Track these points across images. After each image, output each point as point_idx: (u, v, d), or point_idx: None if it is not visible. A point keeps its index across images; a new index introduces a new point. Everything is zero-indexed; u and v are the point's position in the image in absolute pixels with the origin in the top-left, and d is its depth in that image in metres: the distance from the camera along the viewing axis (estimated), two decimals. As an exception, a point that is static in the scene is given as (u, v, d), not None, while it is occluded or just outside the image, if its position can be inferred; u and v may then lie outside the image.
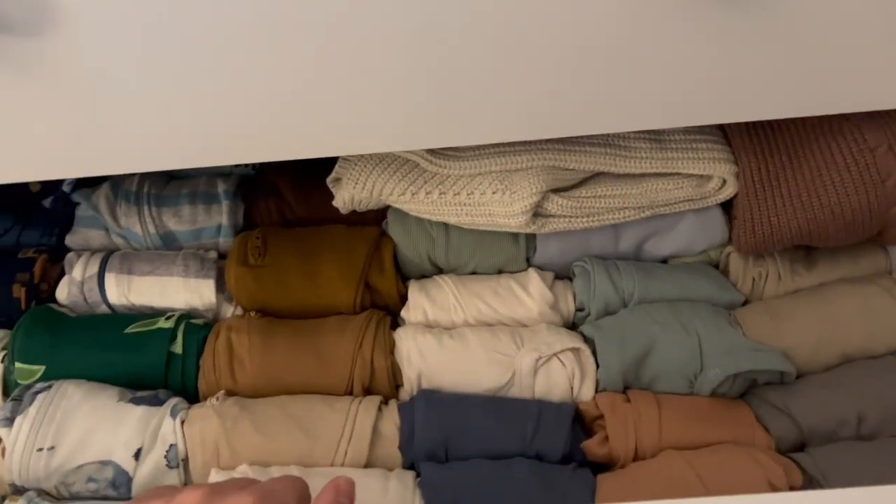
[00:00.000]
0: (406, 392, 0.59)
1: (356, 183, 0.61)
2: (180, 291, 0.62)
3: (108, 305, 0.62)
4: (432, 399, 0.56)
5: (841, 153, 0.56)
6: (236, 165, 0.71)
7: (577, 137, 0.59)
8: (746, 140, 0.59)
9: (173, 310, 0.62)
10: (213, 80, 0.48)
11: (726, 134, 0.60)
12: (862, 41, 0.48)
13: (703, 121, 0.53)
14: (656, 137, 0.59)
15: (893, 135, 0.55)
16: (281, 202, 0.67)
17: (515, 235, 0.63)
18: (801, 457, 0.53)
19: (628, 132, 0.59)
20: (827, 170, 0.56)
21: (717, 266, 0.64)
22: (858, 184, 0.55)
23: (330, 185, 0.64)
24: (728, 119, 0.53)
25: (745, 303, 0.62)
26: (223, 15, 0.44)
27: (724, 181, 0.59)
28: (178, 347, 0.59)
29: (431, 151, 0.59)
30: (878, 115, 0.56)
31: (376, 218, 0.66)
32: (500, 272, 0.65)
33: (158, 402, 0.55)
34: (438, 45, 0.46)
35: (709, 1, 0.45)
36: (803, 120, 0.59)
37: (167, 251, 0.64)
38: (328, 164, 0.63)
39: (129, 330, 0.59)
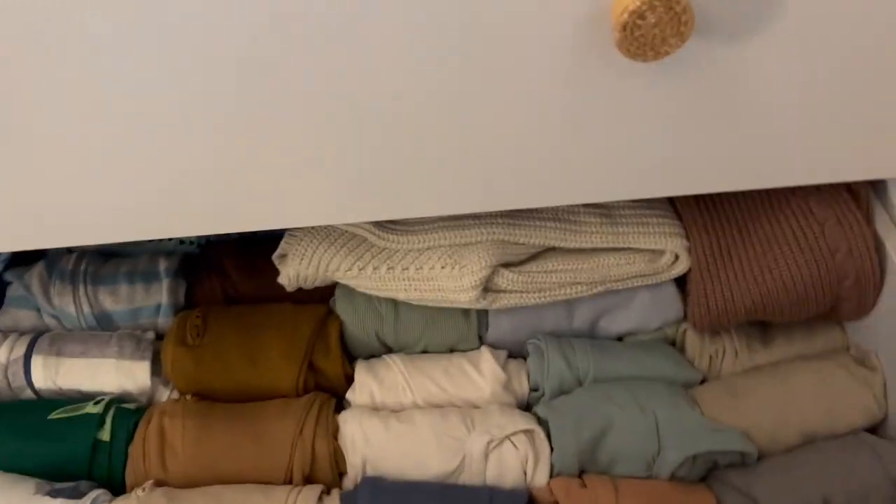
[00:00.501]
0: (350, 480, 0.55)
1: (302, 259, 0.60)
2: (112, 374, 0.58)
3: (34, 390, 0.58)
4: (377, 487, 0.53)
5: (790, 227, 0.55)
6: (181, 242, 0.69)
7: (526, 212, 0.58)
8: (697, 215, 0.59)
9: (104, 394, 0.58)
10: (147, 152, 0.47)
11: (677, 210, 0.60)
12: (803, 116, 0.49)
13: (651, 193, 0.53)
14: (606, 213, 0.58)
15: (840, 209, 0.55)
16: (225, 280, 0.65)
17: (467, 312, 0.61)
18: (766, 544, 0.51)
19: (578, 207, 0.58)
20: (777, 244, 0.56)
21: (673, 343, 0.63)
22: (808, 257, 0.54)
23: (276, 262, 0.62)
24: (675, 192, 0.53)
25: (703, 381, 0.60)
26: (158, 89, 0.43)
27: (677, 256, 0.58)
28: (105, 434, 0.55)
29: (379, 226, 0.58)
30: (826, 189, 0.56)
31: (324, 295, 0.63)
32: (451, 350, 0.63)
33: (78, 495, 0.51)
34: (386, 115, 0.46)
35: (654, 73, 0.45)
36: (753, 194, 0.59)
37: (101, 332, 0.61)
38: (274, 241, 0.62)
39: (54, 416, 0.55)
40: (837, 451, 0.54)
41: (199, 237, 0.69)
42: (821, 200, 0.55)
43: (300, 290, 0.62)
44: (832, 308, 0.58)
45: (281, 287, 0.61)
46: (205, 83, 0.43)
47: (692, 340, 0.61)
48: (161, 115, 0.44)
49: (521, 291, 0.58)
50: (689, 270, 0.58)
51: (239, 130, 0.46)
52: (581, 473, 0.55)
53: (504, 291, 0.58)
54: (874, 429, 0.57)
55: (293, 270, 0.61)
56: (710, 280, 0.57)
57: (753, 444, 0.54)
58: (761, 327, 0.62)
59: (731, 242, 0.57)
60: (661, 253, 0.58)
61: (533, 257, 0.59)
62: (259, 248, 0.64)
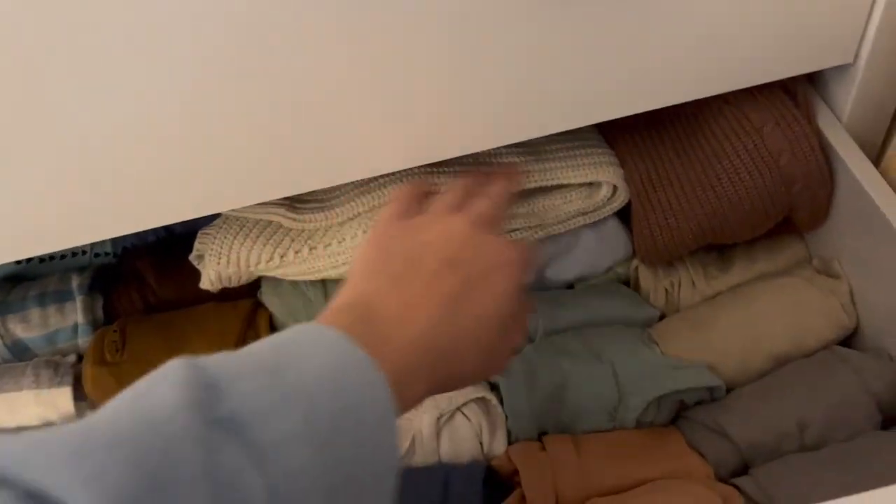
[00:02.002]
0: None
1: (219, 258, 0.55)
2: (31, 405, 0.54)
3: (-50, 435, 0.54)
4: (322, 483, 0.49)
5: (728, 139, 0.51)
6: (96, 255, 0.65)
7: (444, 161, 0.54)
8: (629, 143, 0.54)
9: (25, 428, 0.54)
10: (48, 160, 0.43)
11: (607, 141, 0.56)
12: (731, 14, 0.45)
13: (578, 122, 0.49)
14: (531, 150, 0.54)
15: (778, 111, 0.50)
16: (143, 287, 0.60)
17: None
18: (743, 481, 0.47)
19: (500, 149, 0.54)
20: (717, 159, 0.51)
21: (627, 283, 0.59)
22: (751, 167, 0.50)
23: (195, 264, 0.58)
24: (605, 117, 0.49)
25: (662, 317, 0.56)
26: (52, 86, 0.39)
27: (615, 188, 0.54)
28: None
29: (291, 208, 0.53)
30: (761, 94, 0.52)
31: (250, 290, 0.59)
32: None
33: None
34: (290, 81, 0.42)
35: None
36: (685, 113, 0.54)
37: (15, 363, 0.57)
38: (193, 238, 0.57)
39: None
40: (811, 371, 0.50)
41: (114, 247, 0.64)
42: (756, 106, 0.51)
43: (225, 288, 0.58)
44: (787, 219, 0.54)
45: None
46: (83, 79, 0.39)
47: (645, 276, 0.57)
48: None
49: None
50: (630, 203, 0.54)
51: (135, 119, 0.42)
52: (541, 435, 0.51)
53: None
54: (847, 341, 0.53)
55: (213, 272, 0.56)
56: (652, 209, 0.52)
57: (718, 377, 0.50)
58: (718, 252, 0.58)
59: (668, 167, 0.53)
60: (598, 186, 0.54)
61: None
62: (177, 248, 0.60)
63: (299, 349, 0.29)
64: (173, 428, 0.24)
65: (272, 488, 0.25)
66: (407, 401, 0.32)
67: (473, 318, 0.36)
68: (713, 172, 0.51)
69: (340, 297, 0.36)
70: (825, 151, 0.51)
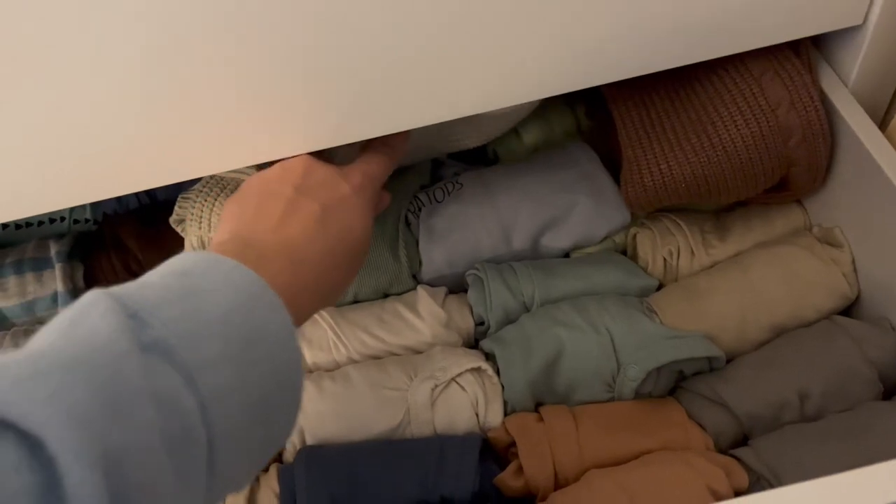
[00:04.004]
0: (289, 452, 0.50)
1: (200, 222, 0.54)
2: (10, 377, 0.52)
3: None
4: (314, 457, 0.48)
5: (725, 86, 0.49)
6: (75, 221, 0.62)
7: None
8: (622, 87, 0.52)
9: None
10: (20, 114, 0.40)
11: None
12: None
13: (578, 85, 0.47)
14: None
15: (778, 60, 0.49)
16: (125, 255, 0.58)
17: (396, 251, 0.55)
18: (743, 452, 0.46)
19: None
20: (713, 106, 0.50)
21: (624, 252, 0.58)
22: (748, 116, 0.48)
23: (176, 228, 0.56)
24: (603, 80, 0.47)
25: (660, 287, 0.55)
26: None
27: None
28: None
29: (271, 168, 0.51)
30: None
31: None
32: (385, 296, 0.57)
33: None
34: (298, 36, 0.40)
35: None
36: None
37: (-8, 333, 0.55)
38: (173, 208, 0.55)
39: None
40: (811, 341, 0.50)
41: (94, 213, 0.62)
42: (756, 54, 0.49)
43: (211, 254, 0.56)
44: (784, 179, 0.52)
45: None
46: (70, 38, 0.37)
47: (643, 244, 0.56)
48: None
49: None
50: (621, 150, 0.52)
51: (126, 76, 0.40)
52: (538, 406, 0.50)
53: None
54: (847, 311, 0.53)
55: (195, 238, 0.55)
56: (644, 154, 0.51)
57: (718, 347, 0.49)
58: (715, 219, 0.57)
59: (661, 112, 0.51)
60: None
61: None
62: (160, 214, 0.58)
63: (203, 278, 0.31)
64: (116, 351, 0.26)
65: (202, 407, 0.27)
66: (300, 317, 0.37)
67: (336, 232, 0.40)
68: (708, 119, 0.50)
69: (215, 240, 0.39)
70: (828, 111, 0.49)
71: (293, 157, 0.43)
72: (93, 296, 0.28)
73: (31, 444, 0.23)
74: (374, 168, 0.45)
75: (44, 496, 0.22)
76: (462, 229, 0.55)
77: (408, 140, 0.48)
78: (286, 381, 0.32)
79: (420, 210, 0.56)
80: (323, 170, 0.43)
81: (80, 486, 0.22)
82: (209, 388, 0.28)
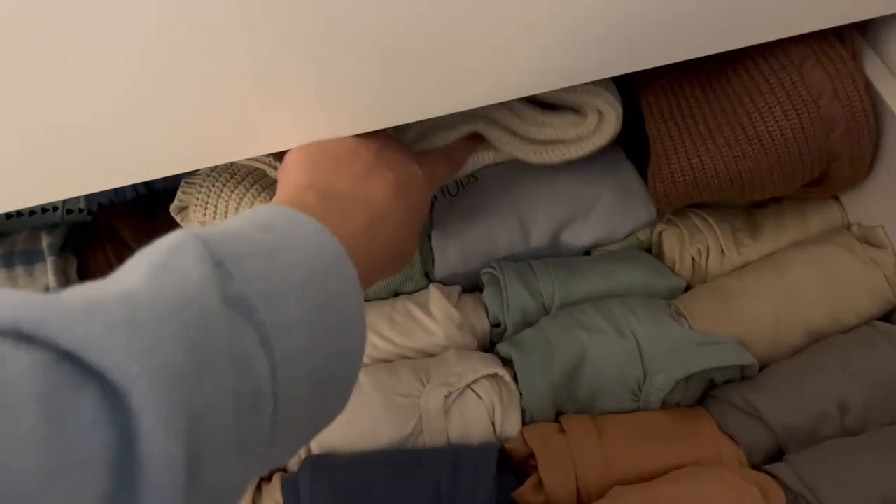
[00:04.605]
0: (294, 462, 0.47)
1: (205, 208, 0.51)
2: None
3: None
4: (320, 467, 0.45)
5: (762, 74, 0.46)
6: (69, 212, 0.59)
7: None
8: (651, 76, 0.49)
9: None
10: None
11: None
12: None
13: (614, 72, 0.43)
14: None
15: (820, 47, 0.45)
16: (122, 248, 0.55)
17: (407, 248, 0.52)
18: (779, 468, 0.43)
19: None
20: (749, 96, 0.46)
21: (649, 251, 0.54)
22: (787, 107, 0.45)
23: (175, 216, 0.53)
24: (639, 66, 0.44)
25: (688, 288, 0.52)
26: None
27: (601, 115, 0.47)
28: None
29: (278, 157, 0.48)
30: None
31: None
32: (395, 295, 0.54)
33: None
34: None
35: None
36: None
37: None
38: (173, 196, 0.52)
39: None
40: (851, 348, 0.47)
41: (88, 203, 0.59)
42: (796, 41, 0.45)
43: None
44: (823, 175, 0.49)
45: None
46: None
47: (670, 242, 0.52)
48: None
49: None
50: (649, 143, 0.49)
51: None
52: (558, 415, 0.47)
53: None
54: (888, 316, 0.49)
55: (198, 226, 0.51)
56: (674, 147, 0.47)
57: (751, 353, 0.46)
58: (747, 216, 0.54)
59: (693, 102, 0.48)
60: (584, 115, 0.47)
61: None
62: (157, 205, 0.55)
63: (288, 237, 0.30)
64: (206, 304, 0.24)
65: (273, 371, 0.26)
66: (369, 280, 0.36)
67: (410, 204, 0.40)
68: (744, 111, 0.46)
69: (289, 183, 0.39)
70: (872, 102, 0.46)
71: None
72: (183, 237, 0.27)
73: (115, 399, 0.21)
74: (436, 168, 0.45)
75: (117, 459, 0.21)
76: (477, 225, 0.52)
77: (469, 154, 0.49)
78: (349, 356, 0.31)
79: (433, 205, 0.53)
80: (398, 147, 0.42)
81: (159, 455, 0.21)
82: (283, 352, 0.26)
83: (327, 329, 0.29)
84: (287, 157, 0.42)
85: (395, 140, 0.44)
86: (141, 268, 0.25)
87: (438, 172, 0.46)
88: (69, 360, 0.21)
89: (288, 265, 0.28)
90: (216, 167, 0.52)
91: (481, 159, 0.51)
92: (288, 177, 0.40)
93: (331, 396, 0.30)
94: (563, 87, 0.43)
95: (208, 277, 0.25)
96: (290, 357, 0.27)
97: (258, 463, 0.27)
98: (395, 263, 0.40)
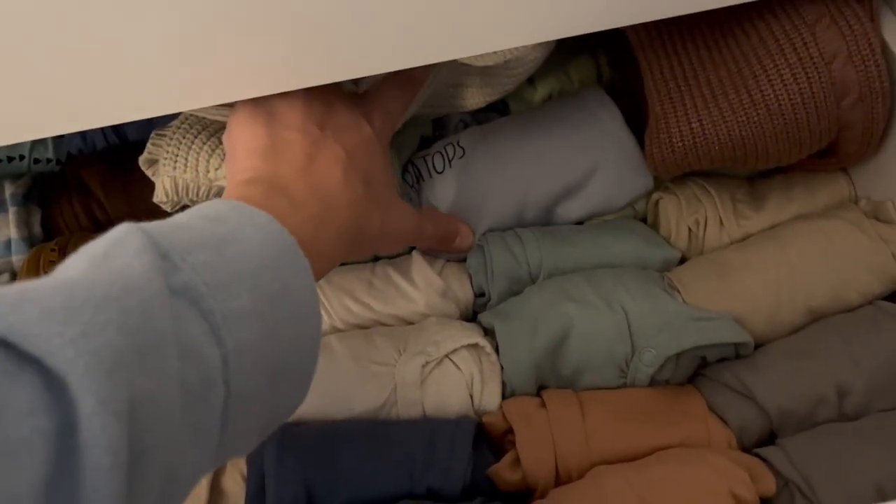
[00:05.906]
0: (261, 429, 0.45)
1: (175, 160, 0.48)
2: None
3: None
4: (288, 436, 0.42)
5: (772, 33, 0.43)
6: (35, 161, 0.56)
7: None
8: (650, 32, 0.46)
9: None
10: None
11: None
12: None
13: (612, 24, 0.40)
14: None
15: (835, 5, 0.42)
16: (89, 200, 0.53)
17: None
18: (771, 452, 0.41)
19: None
20: (756, 56, 0.43)
21: (644, 220, 0.52)
22: (797, 69, 0.42)
23: (146, 170, 0.50)
24: (643, 18, 0.40)
25: (683, 260, 0.49)
26: None
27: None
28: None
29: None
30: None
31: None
32: (376, 259, 0.51)
33: None
34: None
35: None
36: None
37: (-63, 282, 0.50)
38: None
39: None
40: (853, 328, 0.44)
41: (56, 152, 0.56)
42: (811, -2, 0.42)
43: (183, 207, 0.50)
44: (832, 145, 0.46)
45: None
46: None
47: (666, 212, 0.50)
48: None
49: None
50: (647, 105, 0.46)
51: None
52: (540, 390, 0.45)
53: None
54: (893, 296, 0.47)
55: (168, 179, 0.48)
56: (674, 110, 0.44)
57: (747, 332, 0.44)
58: (750, 187, 0.51)
59: (695, 62, 0.45)
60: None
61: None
62: (129, 156, 0.52)
63: (236, 228, 0.30)
64: (148, 293, 0.24)
65: (224, 359, 0.26)
66: (325, 269, 0.36)
67: (363, 178, 0.39)
68: (750, 72, 0.43)
69: (234, 178, 0.38)
70: (890, 67, 0.43)
71: (312, 87, 0.39)
72: (126, 230, 0.27)
73: (52, 384, 0.21)
74: (394, 105, 0.43)
75: (56, 443, 0.21)
76: (466, 209, 0.49)
77: (428, 75, 0.45)
78: (304, 346, 0.31)
79: (419, 182, 0.50)
80: (345, 110, 0.40)
81: (99, 436, 0.21)
82: (234, 341, 0.26)
83: (280, 319, 0.29)
84: (231, 121, 0.40)
85: (341, 93, 0.41)
86: (81, 259, 0.25)
87: (394, 112, 0.43)
88: (4, 347, 0.21)
89: (237, 256, 0.28)
90: (187, 118, 0.49)
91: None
92: (234, 155, 0.39)
93: (287, 387, 0.30)
94: (553, 38, 0.40)
95: (151, 267, 0.25)
96: (242, 347, 0.27)
97: (215, 452, 0.27)
98: (361, 243, 0.39)
